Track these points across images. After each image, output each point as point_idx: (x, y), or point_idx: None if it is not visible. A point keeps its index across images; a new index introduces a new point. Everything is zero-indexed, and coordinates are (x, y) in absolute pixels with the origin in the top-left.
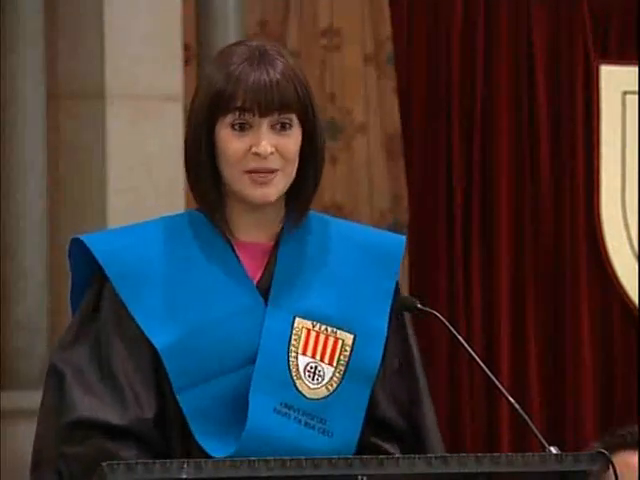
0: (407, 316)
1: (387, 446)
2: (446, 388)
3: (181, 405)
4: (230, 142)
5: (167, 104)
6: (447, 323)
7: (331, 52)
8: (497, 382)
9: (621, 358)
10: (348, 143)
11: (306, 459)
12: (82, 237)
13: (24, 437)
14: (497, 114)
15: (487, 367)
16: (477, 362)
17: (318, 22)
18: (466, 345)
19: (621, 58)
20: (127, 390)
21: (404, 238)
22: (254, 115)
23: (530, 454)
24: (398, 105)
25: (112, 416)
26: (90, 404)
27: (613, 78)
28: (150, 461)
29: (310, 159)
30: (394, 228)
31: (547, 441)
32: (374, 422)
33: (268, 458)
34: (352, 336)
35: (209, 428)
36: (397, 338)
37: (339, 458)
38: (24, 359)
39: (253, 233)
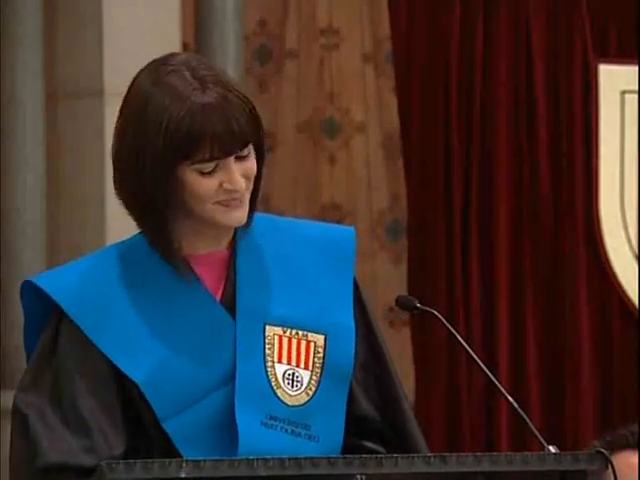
0: (369, 309)
1: (369, 444)
2: (445, 388)
3: (169, 433)
4: (200, 184)
5: None
6: (446, 322)
7: (330, 51)
8: (496, 382)
9: (621, 358)
10: (346, 142)
11: (305, 458)
12: (32, 278)
13: None
14: (496, 113)
15: (486, 367)
16: (476, 362)
17: (317, 21)
18: (465, 345)
19: (620, 57)
20: (95, 431)
21: (353, 229)
22: (220, 159)
23: (529, 453)
24: (397, 104)
25: (83, 459)
26: (59, 449)
27: (612, 77)
28: (149, 460)
29: (259, 166)
30: (393, 228)
31: (546, 440)
32: (353, 419)
33: (267, 457)
34: (323, 337)
35: (200, 451)
36: (361, 330)
37: (338, 457)
38: (23, 359)
39: (207, 244)
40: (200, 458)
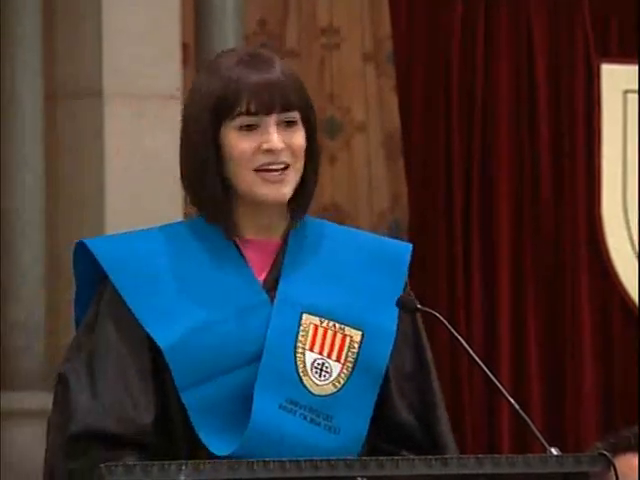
0: (419, 321)
1: (405, 454)
2: (446, 389)
3: (185, 403)
4: (239, 142)
5: (165, 103)
6: (447, 323)
7: (330, 51)
8: (497, 383)
9: (622, 358)
10: (347, 142)
11: (305, 460)
12: (86, 240)
13: (24, 437)
14: (497, 113)
15: (487, 367)
16: (477, 363)
17: (317, 21)
18: (466, 345)
19: (622, 57)
20: (126, 397)
21: (410, 246)
22: (260, 115)
23: (531, 455)
24: (397, 104)
25: (112, 425)
26: (90, 413)
27: (614, 77)
28: (149, 463)
29: (311, 157)
30: (394, 227)
31: (547, 442)
32: (391, 427)
33: (267, 460)
34: (360, 333)
35: (213, 426)
36: (409, 342)
37: (338, 460)
38: (23, 359)
39: (260, 232)
40: (200, 460)
